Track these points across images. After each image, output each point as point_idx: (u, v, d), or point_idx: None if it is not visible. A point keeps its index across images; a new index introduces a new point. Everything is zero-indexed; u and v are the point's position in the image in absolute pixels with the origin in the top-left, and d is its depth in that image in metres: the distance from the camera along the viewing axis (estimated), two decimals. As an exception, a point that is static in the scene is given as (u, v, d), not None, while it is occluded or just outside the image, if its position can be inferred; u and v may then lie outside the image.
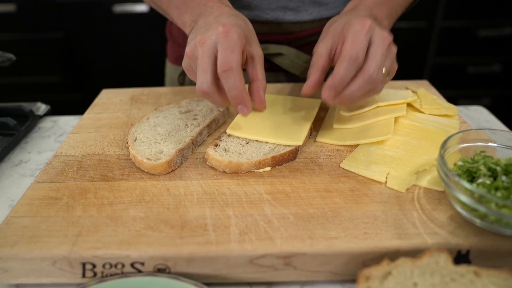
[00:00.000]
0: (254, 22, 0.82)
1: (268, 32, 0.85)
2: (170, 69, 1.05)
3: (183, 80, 0.93)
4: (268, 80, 0.89)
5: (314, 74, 0.59)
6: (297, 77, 0.90)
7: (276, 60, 0.85)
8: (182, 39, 0.96)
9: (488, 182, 0.46)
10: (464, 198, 0.44)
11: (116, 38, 2.02)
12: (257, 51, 0.58)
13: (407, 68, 2.10)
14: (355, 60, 0.55)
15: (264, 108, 0.62)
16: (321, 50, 0.60)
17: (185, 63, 0.59)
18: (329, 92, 0.56)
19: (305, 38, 0.89)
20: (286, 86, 0.84)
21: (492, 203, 0.43)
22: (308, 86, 0.59)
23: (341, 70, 0.55)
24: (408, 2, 0.77)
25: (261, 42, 0.84)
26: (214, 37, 0.54)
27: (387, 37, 0.58)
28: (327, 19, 0.87)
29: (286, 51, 0.84)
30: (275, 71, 0.91)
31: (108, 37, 2.01)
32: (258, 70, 0.58)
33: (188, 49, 0.57)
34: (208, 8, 0.63)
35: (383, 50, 0.56)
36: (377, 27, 0.58)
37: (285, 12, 0.83)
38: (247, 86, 0.58)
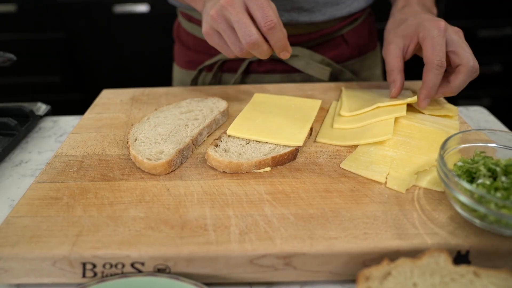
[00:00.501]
0: None
1: None
2: (179, 74, 1.04)
3: (196, 84, 0.94)
4: (283, 81, 0.90)
5: (398, 78, 0.67)
6: (312, 77, 0.90)
7: (290, 61, 0.86)
8: (192, 43, 0.96)
9: (488, 182, 0.46)
10: (463, 198, 0.44)
11: (117, 38, 2.02)
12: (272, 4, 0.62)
13: (408, 68, 2.10)
14: (441, 66, 0.62)
15: (291, 52, 0.66)
16: (396, 52, 0.67)
17: (207, 27, 0.62)
18: (426, 102, 0.65)
19: (318, 38, 0.89)
20: (301, 86, 0.84)
21: (491, 204, 0.43)
22: (397, 88, 0.67)
23: (431, 78, 0.63)
24: None
25: None
26: (222, 11, 0.59)
27: (460, 30, 0.64)
28: (339, 19, 0.87)
29: (300, 52, 0.85)
30: (290, 72, 0.91)
31: (108, 37, 2.01)
32: (258, 16, 0.61)
33: (213, 12, 0.60)
34: None
35: (465, 42, 0.63)
36: (449, 25, 0.64)
37: (299, 13, 0.83)
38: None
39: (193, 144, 0.62)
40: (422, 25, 0.64)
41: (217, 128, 0.70)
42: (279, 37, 0.61)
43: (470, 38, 2.02)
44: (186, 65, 1.00)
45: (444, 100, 0.75)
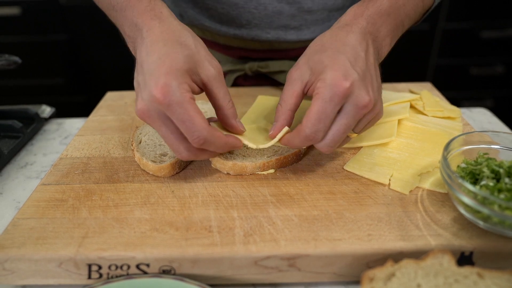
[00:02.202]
0: (254, 41, 0.81)
1: (268, 49, 0.84)
2: None
3: None
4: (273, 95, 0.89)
5: (281, 119, 0.54)
6: None
7: (277, 77, 0.83)
8: None
9: (491, 184, 0.46)
10: (467, 200, 0.45)
11: (120, 40, 2.02)
12: (208, 72, 0.49)
13: (410, 70, 2.10)
14: (311, 140, 0.50)
15: (244, 131, 0.55)
16: (297, 85, 0.52)
17: (143, 108, 0.47)
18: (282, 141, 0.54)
19: None
20: (271, 90, 0.84)
21: (495, 205, 0.43)
22: (274, 131, 0.54)
23: (294, 143, 0.52)
24: (419, 14, 0.64)
25: (262, 59, 0.83)
26: (155, 106, 0.46)
27: (364, 106, 0.49)
28: None
29: (287, 67, 0.82)
30: (278, 87, 0.90)
31: (111, 39, 2.02)
32: (218, 96, 0.51)
33: (137, 110, 0.47)
34: (140, 30, 0.51)
35: (348, 122, 0.49)
36: (357, 89, 0.48)
37: (286, 31, 0.80)
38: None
39: (197, 146, 0.63)
40: (325, 73, 0.49)
41: (221, 130, 0.70)
42: (217, 146, 0.49)
43: (473, 40, 2.03)
44: None
45: (447, 102, 0.75)
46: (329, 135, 0.50)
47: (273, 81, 0.86)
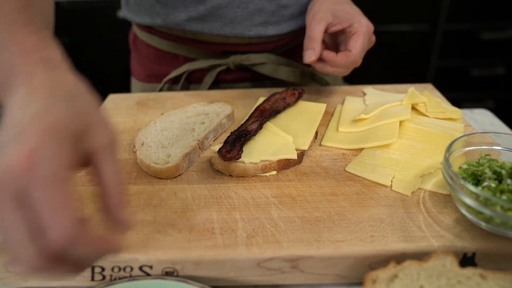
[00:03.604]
0: (236, 37, 0.84)
1: (249, 43, 0.86)
2: (139, 88, 0.97)
3: None
4: (254, 88, 0.90)
5: (318, 46, 0.68)
6: (282, 82, 0.90)
7: (259, 69, 0.87)
8: (153, 55, 0.91)
9: (493, 185, 0.46)
10: (469, 201, 0.45)
11: (121, 42, 2.03)
12: (99, 140, 0.36)
13: (411, 72, 2.10)
14: (355, 63, 0.69)
15: (132, 227, 0.40)
16: (323, 24, 0.69)
17: None
18: (319, 65, 0.71)
19: (285, 45, 0.90)
20: (271, 91, 0.84)
21: (497, 206, 0.43)
22: (316, 56, 0.68)
23: (342, 62, 0.68)
24: None
25: (243, 53, 0.86)
26: (11, 178, 0.31)
27: (374, 38, 0.74)
28: (304, 28, 0.87)
29: (267, 59, 0.86)
30: (260, 80, 0.91)
31: (112, 41, 2.02)
32: (106, 174, 0.36)
33: None
34: (16, 75, 0.39)
35: (368, 48, 0.72)
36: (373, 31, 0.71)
37: (266, 27, 0.84)
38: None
39: (200, 148, 0.63)
40: (357, 18, 0.69)
41: (223, 132, 0.70)
42: (85, 252, 0.33)
43: (474, 41, 2.03)
44: (146, 78, 0.95)
45: (449, 103, 0.75)
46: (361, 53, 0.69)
47: (254, 73, 0.90)
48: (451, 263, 0.41)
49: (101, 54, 2.06)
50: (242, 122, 0.66)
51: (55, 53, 0.42)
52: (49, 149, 0.32)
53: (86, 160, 0.36)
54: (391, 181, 0.55)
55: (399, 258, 0.45)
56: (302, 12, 0.85)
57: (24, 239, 0.31)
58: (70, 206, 0.32)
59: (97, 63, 2.09)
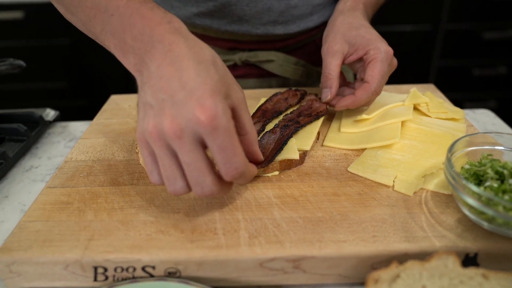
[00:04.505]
0: (244, 35, 0.84)
1: (257, 41, 0.86)
2: None
3: None
4: (261, 86, 0.91)
5: (335, 85, 0.66)
6: (288, 80, 0.91)
7: (266, 66, 0.87)
8: None
9: (495, 185, 0.46)
10: (471, 201, 0.45)
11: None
12: (238, 97, 0.45)
13: (413, 71, 2.10)
14: (377, 93, 0.64)
15: (261, 161, 0.52)
16: (339, 56, 0.65)
17: (141, 136, 0.44)
18: (343, 108, 0.66)
19: (293, 44, 0.90)
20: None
21: (499, 206, 0.43)
22: (332, 94, 0.66)
23: (361, 97, 0.64)
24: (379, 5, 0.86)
25: (250, 50, 0.87)
26: (194, 126, 0.41)
27: (396, 62, 0.68)
28: (313, 28, 0.88)
29: (275, 56, 0.86)
30: (267, 77, 0.92)
31: (114, 42, 2.03)
32: (245, 121, 0.47)
33: (153, 129, 0.42)
34: (155, 43, 0.44)
35: (390, 73, 0.67)
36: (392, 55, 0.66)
37: (275, 26, 0.84)
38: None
39: (201, 149, 0.63)
40: (374, 44, 0.64)
41: (224, 132, 0.70)
42: (247, 179, 0.47)
43: (475, 41, 2.03)
44: None
45: (450, 103, 0.75)
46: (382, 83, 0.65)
47: (261, 70, 0.90)
48: (453, 263, 0.41)
49: (102, 55, 2.06)
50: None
51: (181, 24, 0.47)
52: (221, 106, 0.41)
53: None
54: (393, 182, 0.55)
55: (401, 258, 0.45)
56: (312, 13, 0.85)
57: (203, 172, 0.43)
58: (240, 146, 0.43)
59: (99, 64, 2.09)
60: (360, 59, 0.67)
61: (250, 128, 0.48)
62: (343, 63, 0.67)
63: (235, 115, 0.45)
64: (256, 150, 0.50)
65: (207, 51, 0.45)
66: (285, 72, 0.86)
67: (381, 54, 0.63)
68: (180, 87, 0.41)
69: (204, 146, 0.43)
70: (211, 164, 0.43)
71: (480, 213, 0.45)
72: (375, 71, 0.63)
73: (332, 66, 0.65)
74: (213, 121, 0.40)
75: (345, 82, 0.72)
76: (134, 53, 0.46)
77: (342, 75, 0.71)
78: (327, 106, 0.70)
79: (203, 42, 0.46)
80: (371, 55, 0.64)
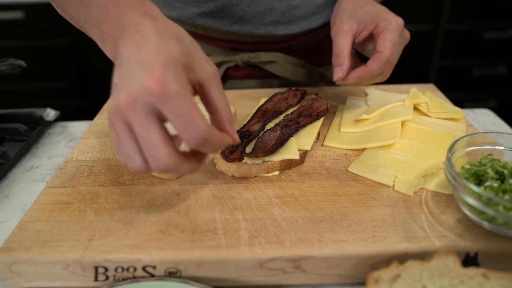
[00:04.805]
0: (246, 35, 0.84)
1: (259, 41, 0.86)
2: None
3: None
4: (262, 87, 0.91)
5: (346, 62, 0.62)
6: (289, 81, 0.91)
7: (268, 67, 0.87)
8: None
9: (495, 185, 0.46)
10: (471, 201, 0.45)
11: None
12: (206, 73, 0.44)
13: (413, 71, 2.10)
14: (390, 62, 0.63)
15: (238, 142, 0.47)
16: (349, 35, 0.64)
17: (109, 115, 0.43)
18: (355, 81, 0.63)
19: (294, 45, 0.90)
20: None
21: (500, 206, 0.43)
22: (344, 73, 0.63)
23: (374, 67, 0.62)
24: None
25: (252, 50, 0.86)
26: (145, 96, 0.40)
27: (408, 34, 0.67)
28: (315, 29, 0.88)
29: (276, 57, 0.86)
30: (268, 78, 0.92)
31: (114, 42, 2.03)
32: (215, 98, 0.45)
33: (112, 105, 0.42)
34: (126, 27, 0.45)
35: (403, 45, 0.66)
36: (403, 26, 0.65)
37: (276, 26, 0.84)
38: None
39: (202, 149, 0.63)
40: (382, 16, 0.64)
41: (225, 132, 0.70)
42: (215, 146, 0.43)
43: (475, 41, 2.03)
44: None
45: (451, 103, 0.75)
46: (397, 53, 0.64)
47: (263, 71, 0.90)
48: (453, 263, 0.41)
49: (102, 55, 2.06)
50: (245, 123, 0.66)
51: (153, 7, 0.48)
52: (172, 73, 0.40)
53: (195, 89, 0.45)
54: (393, 181, 0.55)
55: (402, 258, 0.45)
56: (315, 13, 0.85)
57: (158, 144, 0.41)
58: (199, 111, 0.40)
59: (99, 64, 2.09)
60: (371, 38, 0.66)
61: (221, 106, 0.45)
62: (353, 43, 0.66)
63: (203, 91, 0.45)
64: (229, 130, 0.46)
65: (174, 28, 0.45)
66: (287, 73, 0.86)
67: (391, 25, 0.63)
68: (137, 61, 0.41)
69: (161, 120, 0.41)
70: (168, 137, 0.41)
71: (480, 213, 0.45)
72: (386, 40, 0.62)
73: (342, 44, 0.64)
74: (164, 87, 0.39)
75: (358, 64, 0.67)
76: (110, 40, 0.49)
77: (354, 56, 0.70)
78: (327, 106, 0.70)
79: (174, 23, 0.47)
80: (381, 27, 0.63)
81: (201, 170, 0.60)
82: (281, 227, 0.48)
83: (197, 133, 0.40)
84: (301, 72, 0.87)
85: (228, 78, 0.92)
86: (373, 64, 0.62)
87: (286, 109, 0.70)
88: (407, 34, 0.66)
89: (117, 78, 0.43)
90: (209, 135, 0.41)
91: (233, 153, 0.57)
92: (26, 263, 0.46)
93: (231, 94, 0.84)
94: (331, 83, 0.91)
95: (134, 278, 0.46)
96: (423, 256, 0.44)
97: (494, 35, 2.01)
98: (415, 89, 0.73)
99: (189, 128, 0.40)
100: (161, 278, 0.46)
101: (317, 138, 0.66)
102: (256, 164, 0.57)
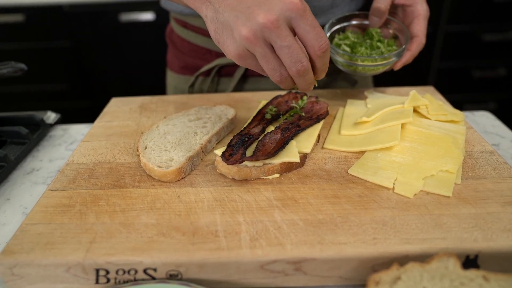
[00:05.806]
0: None
1: None
2: (174, 79, 1.03)
3: (193, 90, 0.94)
4: (266, 89, 0.91)
5: (383, 17, 0.74)
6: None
7: None
8: (187, 49, 0.96)
9: (347, 49, 0.70)
10: (340, 59, 0.69)
11: (123, 46, 2.04)
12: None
13: (412, 73, 2.10)
14: (422, 48, 0.76)
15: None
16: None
17: (239, 49, 0.51)
18: (403, 64, 0.75)
19: None
20: (275, 93, 0.85)
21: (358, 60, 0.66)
22: (379, 24, 0.75)
23: (417, 50, 0.75)
24: None
25: None
26: (288, 12, 0.49)
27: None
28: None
29: None
30: (276, 90, 0.92)
31: (114, 45, 2.03)
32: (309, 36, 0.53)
33: (248, 33, 0.49)
34: None
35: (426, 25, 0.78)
36: None
37: None
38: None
39: (202, 152, 0.63)
40: (420, 1, 0.74)
41: (225, 135, 0.71)
42: (327, 60, 0.54)
43: (475, 42, 2.03)
44: (180, 70, 1.00)
45: (450, 106, 0.76)
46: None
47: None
48: (453, 265, 0.42)
49: (103, 58, 2.07)
50: (245, 126, 0.67)
51: None
52: (281, 16, 0.49)
53: None
54: (394, 184, 0.56)
55: (402, 260, 0.45)
56: (333, 6, 0.86)
57: (277, 63, 0.52)
58: (319, 26, 0.51)
59: (99, 66, 2.09)
60: (402, 8, 0.76)
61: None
62: (393, 2, 0.74)
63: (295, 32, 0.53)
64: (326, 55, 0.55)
65: None
66: None
67: (425, 12, 0.75)
68: (243, 3, 0.50)
69: (294, 34, 0.51)
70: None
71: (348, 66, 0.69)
72: (422, 26, 0.74)
73: (383, 0, 0.72)
74: (303, 3, 0.49)
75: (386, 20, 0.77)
76: None
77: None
78: (328, 109, 0.70)
79: None
80: (417, 9, 0.74)
81: (201, 173, 0.60)
82: (281, 230, 0.48)
83: (324, 39, 0.51)
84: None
85: (248, 76, 0.93)
86: (416, 47, 0.74)
87: (287, 112, 0.71)
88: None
89: (235, 12, 0.50)
90: (309, 68, 0.53)
91: (233, 156, 0.57)
92: (28, 265, 0.46)
93: (231, 96, 0.85)
94: (350, 81, 0.92)
95: (135, 281, 0.46)
96: (424, 258, 0.45)
97: (493, 37, 2.01)
98: (415, 91, 0.74)
99: (319, 36, 0.51)
100: (162, 280, 0.46)
101: (317, 140, 0.66)
102: (257, 166, 0.57)
